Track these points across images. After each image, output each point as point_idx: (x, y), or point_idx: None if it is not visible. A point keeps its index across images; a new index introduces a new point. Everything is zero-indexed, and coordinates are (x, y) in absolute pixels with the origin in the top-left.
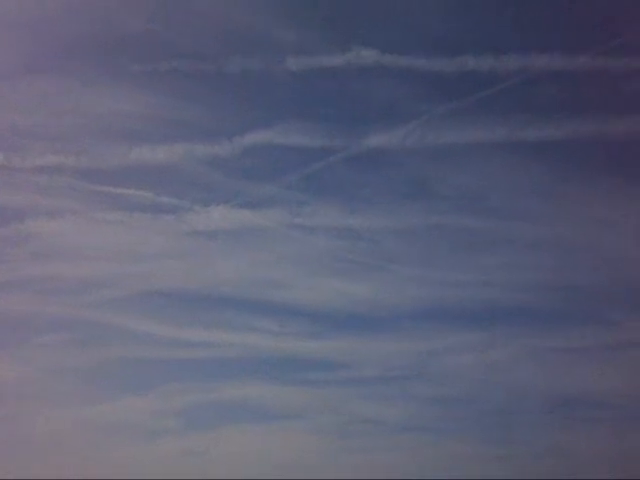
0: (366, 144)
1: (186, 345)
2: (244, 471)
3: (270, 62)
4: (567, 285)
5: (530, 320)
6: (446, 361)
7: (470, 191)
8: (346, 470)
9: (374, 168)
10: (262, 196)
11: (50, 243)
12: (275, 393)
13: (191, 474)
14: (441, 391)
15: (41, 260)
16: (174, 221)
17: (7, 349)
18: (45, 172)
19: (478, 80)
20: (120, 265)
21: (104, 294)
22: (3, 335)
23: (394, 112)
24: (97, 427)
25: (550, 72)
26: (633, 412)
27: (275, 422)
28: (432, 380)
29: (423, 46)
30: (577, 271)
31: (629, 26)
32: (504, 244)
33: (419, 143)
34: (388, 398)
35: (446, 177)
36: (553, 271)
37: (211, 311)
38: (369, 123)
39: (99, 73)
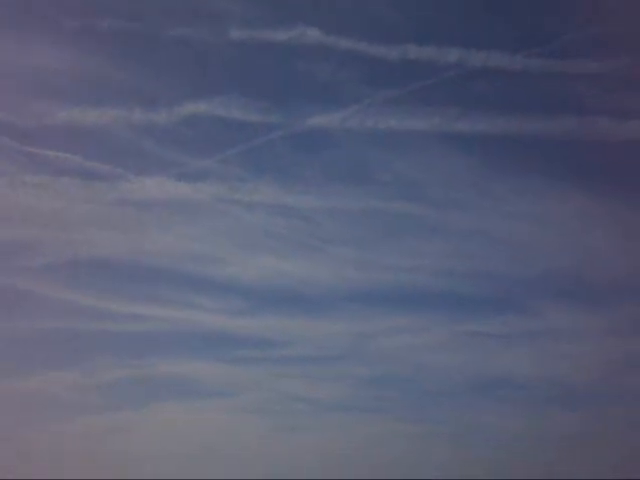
0: (306, 124)
1: (114, 318)
2: (168, 449)
3: (212, 32)
4: (492, 274)
5: (458, 306)
6: (379, 343)
7: (406, 178)
8: (276, 448)
9: (314, 148)
10: (199, 169)
11: None
12: (206, 370)
13: (114, 452)
14: (373, 372)
15: None
16: (105, 188)
17: None
18: None
19: (418, 69)
20: (44, 231)
21: (26, 261)
22: None
23: (335, 94)
24: (17, 402)
25: (486, 69)
26: (548, 393)
27: (205, 400)
28: (365, 361)
29: (367, 31)
30: (502, 261)
31: (563, 31)
32: (436, 231)
33: (359, 127)
34: (321, 378)
35: (384, 162)
36: (480, 260)
37: (141, 283)
38: (310, 103)
39: (29, 27)
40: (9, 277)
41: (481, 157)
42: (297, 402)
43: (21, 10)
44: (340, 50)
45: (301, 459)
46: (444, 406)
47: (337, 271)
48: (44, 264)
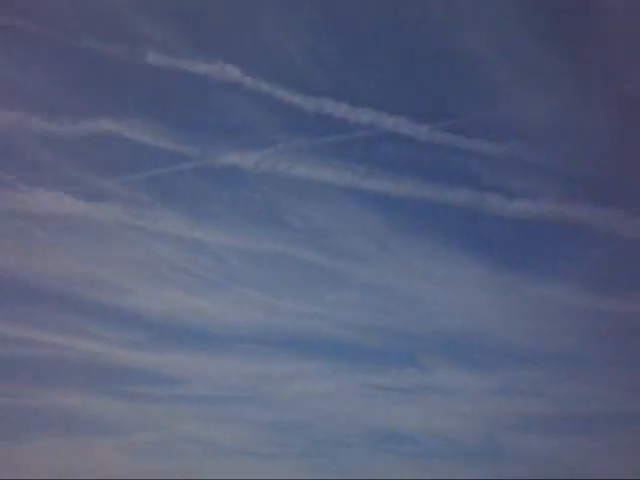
0: (219, 159)
1: None
2: None
3: (131, 52)
4: (391, 328)
5: (357, 356)
6: (279, 387)
7: (315, 226)
8: None
9: (225, 185)
10: (102, 189)
11: None
12: (98, 405)
13: None
14: (272, 416)
15: None
16: None
17: None
18: None
19: (332, 124)
20: None
21: None
22: None
23: (249, 134)
24: None
25: (395, 134)
26: (436, 448)
27: (94, 437)
28: (264, 404)
29: (287, 78)
30: (400, 316)
31: (466, 111)
32: (340, 282)
33: (272, 170)
34: (219, 419)
35: (294, 208)
36: (380, 313)
37: (29, 306)
38: (224, 139)
39: None
40: None
41: (386, 216)
42: (193, 444)
43: None
44: (258, 92)
45: None
46: (340, 456)
47: (242, 311)
48: None
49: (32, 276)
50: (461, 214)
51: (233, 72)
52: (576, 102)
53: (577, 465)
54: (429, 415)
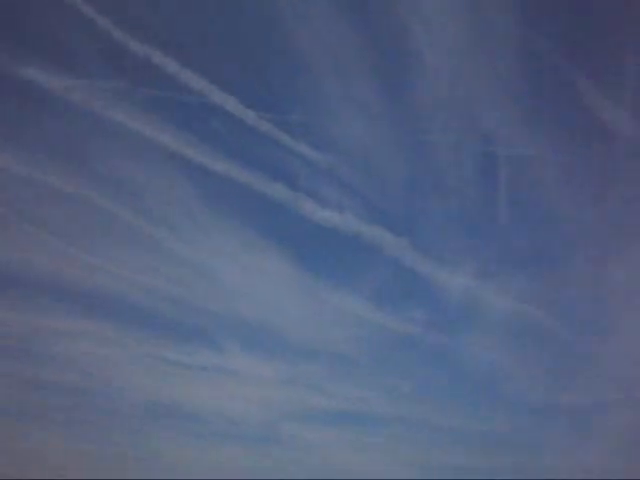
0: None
1: None
2: None
3: None
4: (191, 304)
5: (150, 324)
6: (53, 343)
7: (121, 178)
8: None
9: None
10: None
11: None
12: None
13: None
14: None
15: None
16: None
17: None
18: None
19: (161, 79)
20: None
21: None
22: None
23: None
24: None
25: (223, 110)
26: (218, 429)
27: None
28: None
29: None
30: (201, 293)
31: (302, 112)
32: (142, 243)
33: (83, 103)
34: None
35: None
36: (182, 286)
37: None
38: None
39: None
40: None
41: (201, 190)
42: None
43: None
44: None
45: None
46: (111, 425)
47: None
48: None
49: None
50: (275, 208)
51: None
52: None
53: (353, 460)
54: (216, 396)
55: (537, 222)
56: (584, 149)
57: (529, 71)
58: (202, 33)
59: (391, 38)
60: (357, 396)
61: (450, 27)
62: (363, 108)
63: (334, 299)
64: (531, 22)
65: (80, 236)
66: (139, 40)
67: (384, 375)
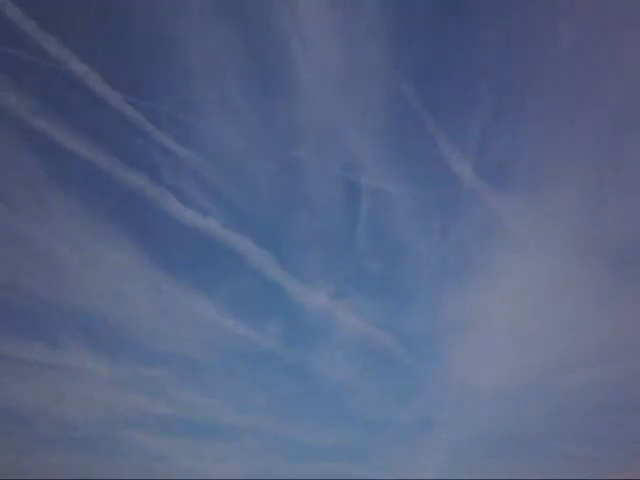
0: None
1: None
2: None
3: None
4: (31, 292)
5: None
6: None
7: None
8: None
9: None
10: None
11: None
12: None
13: None
14: None
15: None
16: None
17: None
18: None
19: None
20: None
21: None
22: None
23: None
24: None
25: (83, 84)
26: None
27: None
28: None
29: None
30: (41, 280)
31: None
32: None
33: None
34: None
35: None
36: (18, 269)
37: None
38: None
39: None
40: None
41: (50, 166)
42: None
43: None
44: None
45: None
46: None
47: None
48: None
49: None
50: (132, 198)
51: None
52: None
53: (197, 469)
54: (45, 394)
55: (389, 251)
56: (433, 191)
57: (395, 113)
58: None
59: (272, 52)
60: (205, 405)
61: (329, 55)
62: (236, 115)
63: (189, 301)
64: (400, 68)
65: None
66: None
67: (237, 385)
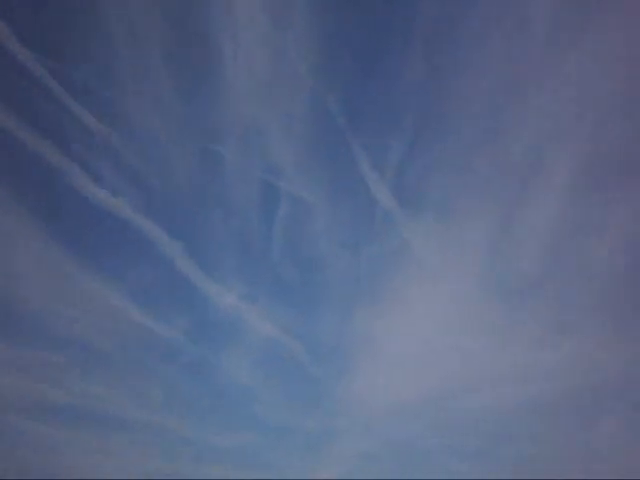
0: None
1: None
2: None
3: None
4: None
5: None
6: None
7: None
8: None
9: None
10: None
11: None
12: None
13: None
14: None
15: None
16: None
17: None
18: None
19: None
20: None
21: None
22: None
23: None
24: None
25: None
26: None
27: None
28: None
29: None
30: None
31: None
32: None
33: None
34: None
35: None
36: None
37: None
38: None
39: None
40: None
41: None
42: None
43: None
44: None
45: None
46: None
47: None
48: None
49: None
50: (38, 168)
51: None
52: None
53: (87, 463)
54: None
55: (304, 261)
56: (350, 207)
57: (320, 125)
58: None
59: (200, 42)
60: (104, 396)
61: (258, 57)
62: (159, 98)
63: (92, 285)
64: (327, 82)
65: None
66: None
67: (136, 378)
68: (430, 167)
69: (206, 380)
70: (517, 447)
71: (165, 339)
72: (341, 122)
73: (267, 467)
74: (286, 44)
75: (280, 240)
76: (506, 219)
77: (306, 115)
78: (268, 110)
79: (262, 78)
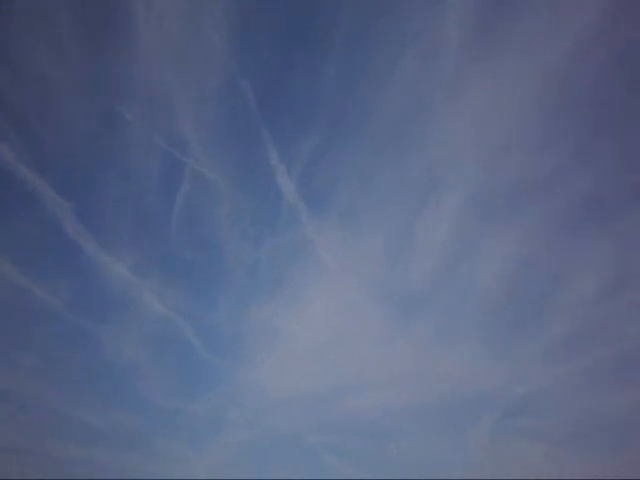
0: None
1: None
2: None
3: None
4: None
5: None
6: None
7: None
8: None
9: None
10: None
11: None
12: None
13: None
14: None
15: None
16: None
17: None
18: None
19: None
20: None
21: None
22: None
23: None
24: None
25: None
26: None
27: None
28: None
29: None
30: None
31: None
32: None
33: None
34: None
35: None
36: None
37: None
38: None
39: None
40: None
41: None
42: None
43: None
44: None
45: None
46: None
47: None
48: None
49: None
50: None
51: None
52: None
53: None
54: None
55: (202, 243)
56: (255, 195)
57: (230, 106)
58: None
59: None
60: None
61: (173, 26)
62: (60, 44)
63: None
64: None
65: None
66: None
67: (6, 341)
68: (337, 171)
69: (86, 352)
70: (396, 448)
71: (43, 303)
72: (253, 109)
73: (144, 450)
74: (202, 13)
75: (179, 218)
76: (402, 234)
77: (217, 95)
78: (178, 78)
79: (174, 44)
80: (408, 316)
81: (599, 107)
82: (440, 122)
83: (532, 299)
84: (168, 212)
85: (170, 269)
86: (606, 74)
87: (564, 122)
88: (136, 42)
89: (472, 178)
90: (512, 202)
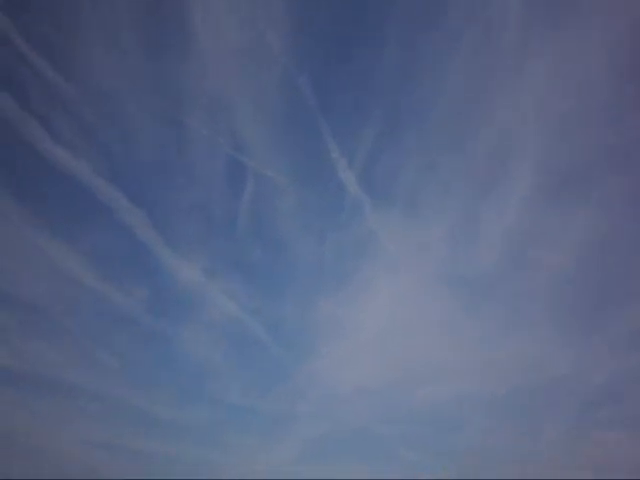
0: None
1: None
2: None
3: None
4: None
5: None
6: None
7: None
8: None
9: None
10: None
11: None
12: None
13: None
14: None
15: None
16: None
17: None
18: None
19: None
20: None
21: None
22: None
23: None
24: None
25: None
26: None
27: None
28: None
29: None
30: None
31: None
32: None
33: None
34: None
35: None
36: None
37: None
38: None
39: None
40: None
41: None
42: None
43: None
44: None
45: None
46: None
47: None
48: None
49: None
50: None
51: None
52: None
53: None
54: None
55: (269, 241)
56: (317, 191)
57: (289, 105)
58: None
59: (169, 7)
60: (51, 360)
61: (229, 30)
62: (124, 59)
63: (49, 248)
64: (299, 62)
65: None
66: None
67: (91, 345)
68: (398, 160)
69: (162, 353)
70: (466, 439)
71: (121, 307)
72: (312, 104)
73: (217, 445)
74: (258, 14)
75: (245, 218)
76: (468, 220)
77: (276, 93)
78: (237, 81)
79: (232, 48)
80: (476, 304)
81: None
82: (503, 103)
83: (610, 282)
84: (234, 214)
85: (239, 268)
86: None
87: (634, 92)
88: (196, 52)
89: (539, 157)
90: (583, 181)
